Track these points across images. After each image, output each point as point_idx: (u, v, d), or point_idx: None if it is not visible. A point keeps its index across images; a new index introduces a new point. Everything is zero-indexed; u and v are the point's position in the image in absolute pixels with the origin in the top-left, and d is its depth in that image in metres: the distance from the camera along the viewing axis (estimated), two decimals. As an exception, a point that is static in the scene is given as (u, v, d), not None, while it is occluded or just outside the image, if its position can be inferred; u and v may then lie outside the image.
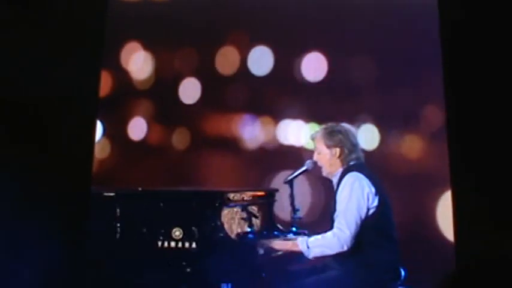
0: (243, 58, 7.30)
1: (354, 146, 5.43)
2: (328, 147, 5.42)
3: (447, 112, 4.55)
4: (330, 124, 5.52)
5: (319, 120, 6.93)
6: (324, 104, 7.03)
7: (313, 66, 7.12)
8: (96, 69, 5.27)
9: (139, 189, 6.01)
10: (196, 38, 7.30)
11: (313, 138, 5.54)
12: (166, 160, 7.44)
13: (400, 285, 5.35)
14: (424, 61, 6.66)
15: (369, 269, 5.28)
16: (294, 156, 7.00)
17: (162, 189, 6.43)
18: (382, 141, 6.81)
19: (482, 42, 4.57)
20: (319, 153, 5.47)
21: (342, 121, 5.64)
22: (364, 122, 6.76)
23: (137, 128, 7.53)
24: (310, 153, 5.63)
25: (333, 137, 5.43)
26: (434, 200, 6.69)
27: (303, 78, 7.16)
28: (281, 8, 7.09)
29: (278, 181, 6.85)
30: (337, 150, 5.40)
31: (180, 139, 7.43)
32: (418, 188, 6.67)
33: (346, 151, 5.40)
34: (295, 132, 7.19)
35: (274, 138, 7.24)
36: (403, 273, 5.37)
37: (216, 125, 7.37)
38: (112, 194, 5.71)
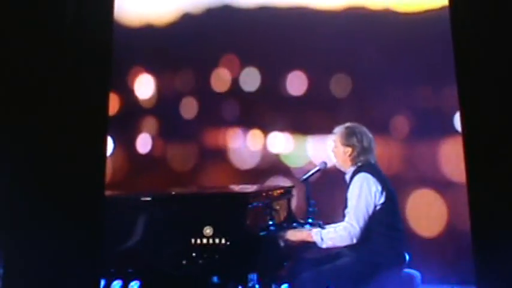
0: (234, 78, 7.76)
1: (364, 149, 5.77)
2: (343, 145, 5.79)
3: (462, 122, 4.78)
4: (350, 124, 5.85)
5: (302, 131, 7.55)
6: (306, 116, 7.53)
7: (296, 83, 7.62)
8: (105, 91, 5.45)
9: (173, 192, 6.37)
10: (194, 61, 7.71)
11: (334, 133, 5.85)
12: (170, 170, 7.79)
13: (405, 267, 5.72)
14: (392, 77, 7.28)
15: (377, 256, 5.60)
16: (280, 164, 7.58)
17: (194, 192, 6.74)
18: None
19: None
20: (335, 147, 5.83)
21: (321, 131, 6.29)
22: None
23: (144, 142, 7.87)
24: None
25: (348, 137, 5.78)
26: (406, 197, 7.23)
27: (287, 94, 7.66)
28: (266, 33, 7.56)
29: (270, 183, 7.44)
30: (349, 149, 5.77)
31: (181, 151, 7.84)
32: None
33: (355, 152, 5.77)
34: (282, 142, 7.67)
35: (264, 149, 7.70)
36: (407, 257, 5.72)
37: (213, 137, 7.80)
38: (149, 199, 5.98)
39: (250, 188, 6.56)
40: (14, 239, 5.08)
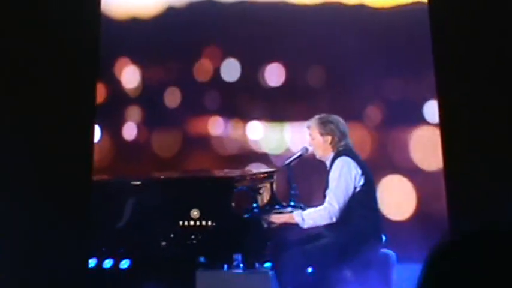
0: (216, 68, 7.98)
1: (342, 134, 5.92)
2: (321, 134, 5.93)
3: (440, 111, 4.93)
4: (322, 115, 5.98)
5: (280, 119, 7.82)
6: (283, 106, 7.79)
7: (274, 74, 7.89)
8: (93, 82, 5.65)
9: (162, 177, 6.50)
10: (177, 52, 7.89)
11: (308, 127, 5.98)
12: (155, 156, 7.94)
13: (381, 247, 6.00)
14: (366, 68, 7.53)
15: (356, 236, 5.81)
16: (259, 151, 7.83)
17: (182, 176, 6.91)
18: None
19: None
20: (313, 140, 5.97)
21: (298, 119, 6.51)
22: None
23: (130, 130, 8.04)
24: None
25: (325, 126, 5.91)
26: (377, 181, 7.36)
27: (266, 84, 7.92)
28: (247, 26, 7.78)
29: (250, 169, 7.55)
30: (329, 137, 5.92)
31: (165, 139, 8.00)
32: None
33: (336, 138, 5.91)
34: (261, 130, 7.91)
35: (244, 136, 7.93)
36: (384, 238, 5.98)
37: (195, 125, 7.98)
38: (139, 183, 6.21)
39: (236, 172, 6.77)
40: (3, 223, 5.22)
